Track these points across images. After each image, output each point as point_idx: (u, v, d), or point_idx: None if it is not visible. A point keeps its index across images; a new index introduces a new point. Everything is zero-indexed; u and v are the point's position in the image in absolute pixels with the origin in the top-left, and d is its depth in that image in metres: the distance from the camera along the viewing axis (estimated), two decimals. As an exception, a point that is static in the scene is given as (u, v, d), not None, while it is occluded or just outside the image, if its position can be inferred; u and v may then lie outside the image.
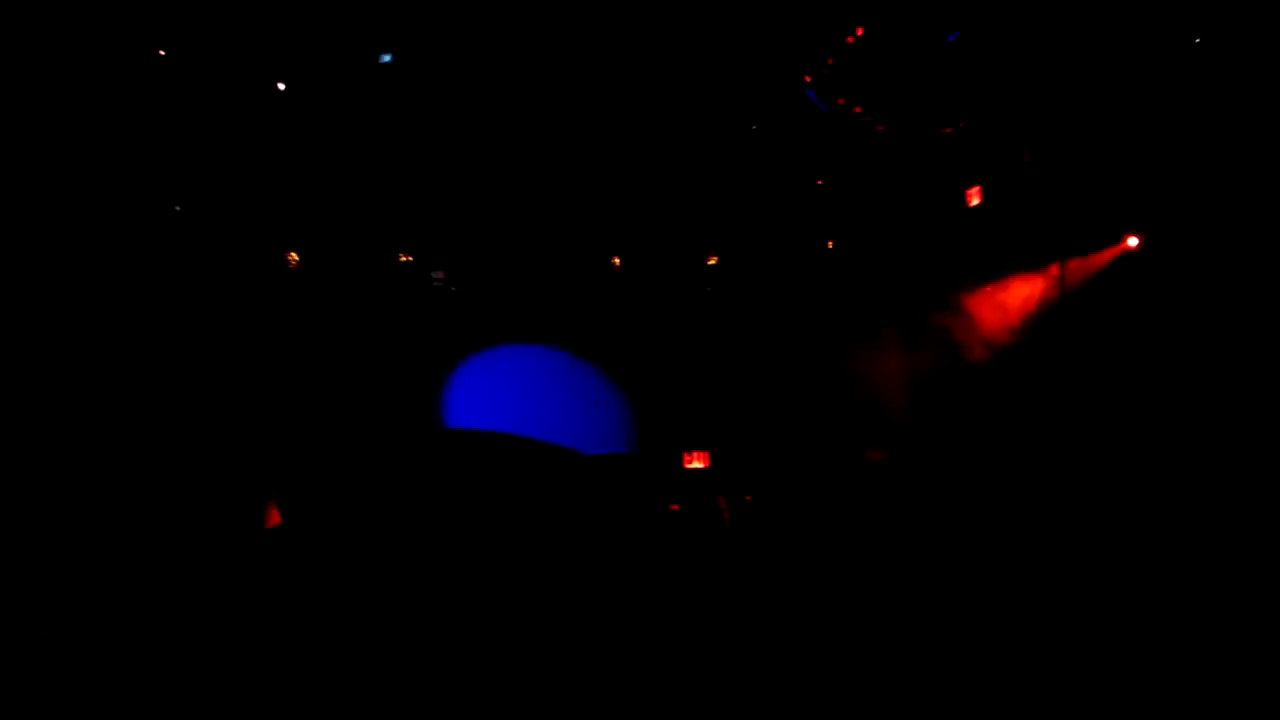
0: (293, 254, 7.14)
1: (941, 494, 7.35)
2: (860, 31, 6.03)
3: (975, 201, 7.54)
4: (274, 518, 6.56)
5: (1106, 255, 7.63)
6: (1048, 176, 7.36)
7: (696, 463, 8.02)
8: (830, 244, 8.15)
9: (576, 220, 7.91)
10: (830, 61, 6.27)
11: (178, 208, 6.64)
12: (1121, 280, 7.27)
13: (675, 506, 7.31)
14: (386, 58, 6.19)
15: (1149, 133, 6.62)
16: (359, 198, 7.31)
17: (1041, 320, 7.77)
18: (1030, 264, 7.87)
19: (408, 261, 7.77)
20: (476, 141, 7.05)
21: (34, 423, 5.82)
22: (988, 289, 8.04)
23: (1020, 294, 8.00)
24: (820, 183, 7.72)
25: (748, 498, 7.52)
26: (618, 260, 8.29)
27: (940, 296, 7.91)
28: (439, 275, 7.92)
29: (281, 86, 6.38)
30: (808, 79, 6.43)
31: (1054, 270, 7.76)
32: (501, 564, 5.99)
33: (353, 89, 6.57)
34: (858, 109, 6.48)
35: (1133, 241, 7.45)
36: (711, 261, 8.35)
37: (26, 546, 5.34)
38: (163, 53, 5.97)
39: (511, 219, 7.78)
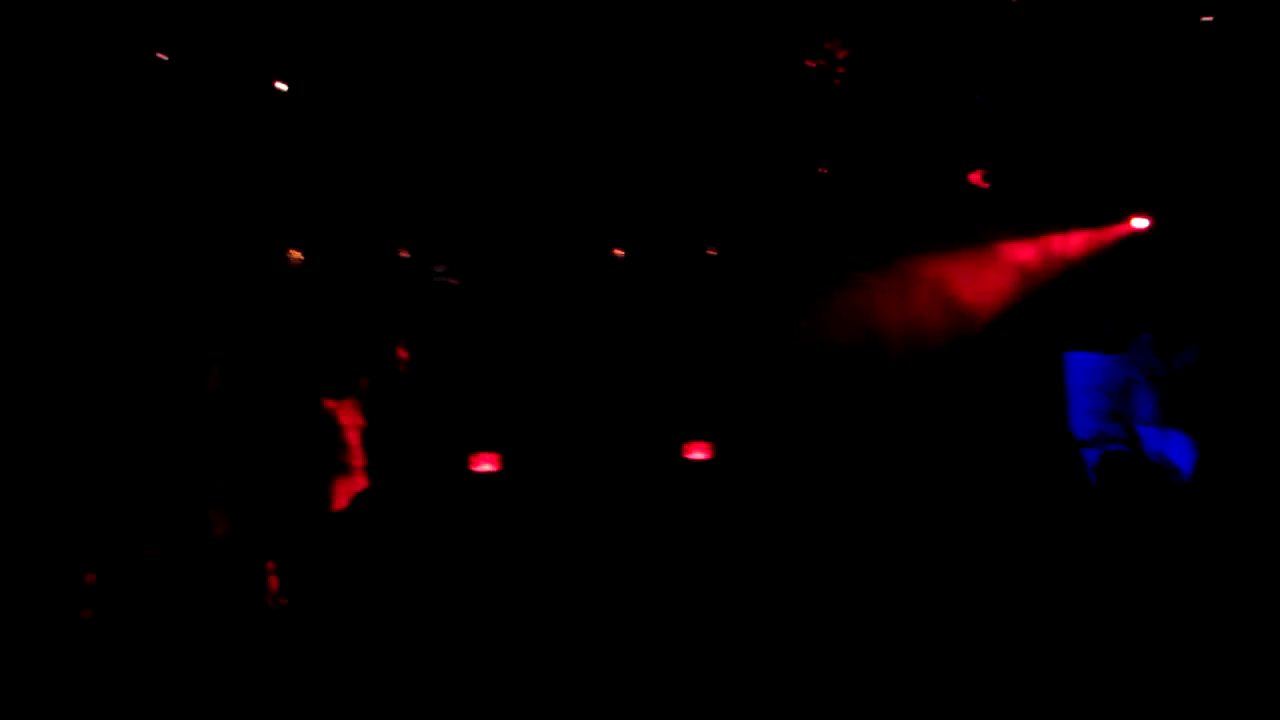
0: (295, 252, 7.12)
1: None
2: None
3: (978, 183, 7.42)
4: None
5: (1110, 234, 7.49)
6: (1053, 159, 7.23)
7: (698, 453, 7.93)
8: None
9: (574, 210, 7.86)
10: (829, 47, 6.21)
11: (177, 208, 6.64)
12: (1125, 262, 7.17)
13: None
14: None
15: (1158, 116, 6.50)
16: (358, 195, 7.29)
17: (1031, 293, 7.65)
18: (1024, 235, 7.72)
19: (406, 257, 7.76)
20: (473, 136, 7.03)
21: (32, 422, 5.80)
22: (973, 254, 7.75)
23: (1010, 262, 7.79)
24: (823, 171, 7.64)
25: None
26: (619, 252, 8.25)
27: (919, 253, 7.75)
28: (441, 270, 7.90)
29: (282, 86, 6.38)
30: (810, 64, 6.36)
31: (1050, 244, 7.62)
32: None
33: (352, 87, 6.56)
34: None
35: (1140, 223, 7.32)
36: (711, 253, 8.28)
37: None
38: (163, 55, 5.98)
39: (510, 210, 7.75)
